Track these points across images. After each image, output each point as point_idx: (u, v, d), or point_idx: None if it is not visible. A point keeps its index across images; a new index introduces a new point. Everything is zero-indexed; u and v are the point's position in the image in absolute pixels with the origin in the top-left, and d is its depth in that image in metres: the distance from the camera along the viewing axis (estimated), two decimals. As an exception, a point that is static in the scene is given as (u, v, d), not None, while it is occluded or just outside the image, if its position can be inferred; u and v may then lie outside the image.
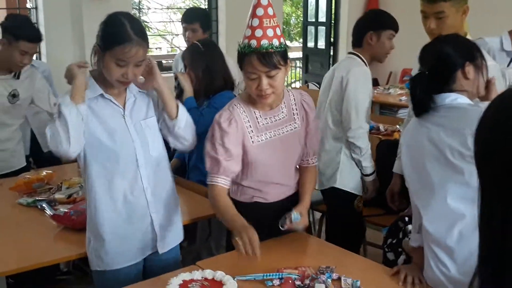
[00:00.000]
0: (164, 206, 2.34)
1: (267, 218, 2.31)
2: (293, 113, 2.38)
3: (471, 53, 2.09)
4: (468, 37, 2.70)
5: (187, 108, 2.42)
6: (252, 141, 2.30)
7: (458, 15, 2.61)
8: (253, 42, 2.15)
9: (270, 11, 2.19)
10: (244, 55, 2.18)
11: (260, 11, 2.17)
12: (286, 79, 2.44)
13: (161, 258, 2.37)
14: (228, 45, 7.12)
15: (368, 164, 3.16)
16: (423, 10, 2.64)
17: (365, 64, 3.15)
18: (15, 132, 3.64)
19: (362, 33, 3.17)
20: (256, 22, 2.17)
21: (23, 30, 3.30)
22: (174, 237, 2.44)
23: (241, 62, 2.22)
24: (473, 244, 1.84)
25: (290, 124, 2.37)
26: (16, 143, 3.67)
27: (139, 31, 2.12)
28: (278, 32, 2.20)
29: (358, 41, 3.21)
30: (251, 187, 2.40)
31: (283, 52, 2.20)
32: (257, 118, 2.32)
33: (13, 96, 3.53)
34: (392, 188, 3.06)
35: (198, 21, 4.40)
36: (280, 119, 2.36)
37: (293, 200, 2.43)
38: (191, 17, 4.49)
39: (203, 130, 2.50)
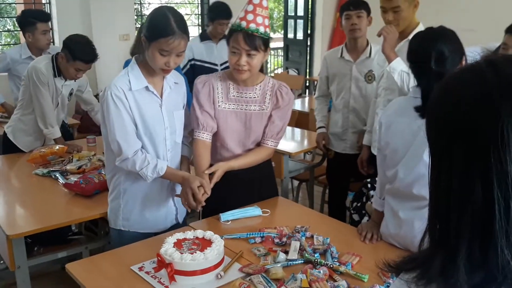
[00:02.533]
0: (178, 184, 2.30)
1: (224, 179, 2.30)
2: (265, 97, 2.34)
3: (462, 47, 1.91)
4: (420, 26, 2.73)
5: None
6: (219, 105, 2.33)
7: (410, 9, 2.73)
8: (243, 23, 2.18)
9: (264, 3, 2.22)
10: (233, 31, 2.20)
11: (256, 0, 2.20)
12: (271, 65, 2.40)
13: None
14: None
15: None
16: (383, 5, 2.77)
17: None
18: None
19: None
20: (250, 8, 2.20)
21: (80, 52, 3.21)
22: (184, 209, 2.40)
23: (229, 37, 2.23)
24: (415, 219, 1.89)
25: (260, 105, 2.34)
26: None
27: (181, 25, 2.05)
28: (266, 22, 2.22)
29: None
30: (215, 150, 2.40)
31: (265, 39, 2.21)
32: (229, 89, 2.33)
33: (70, 94, 3.53)
34: (361, 156, 3.18)
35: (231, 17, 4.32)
36: (251, 97, 2.34)
37: (250, 171, 2.38)
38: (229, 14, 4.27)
39: None
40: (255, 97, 2.33)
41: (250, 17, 2.18)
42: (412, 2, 2.72)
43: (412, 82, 2.61)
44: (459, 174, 0.71)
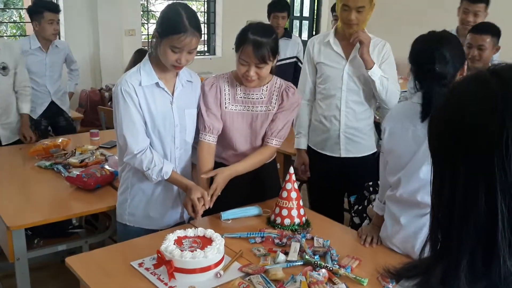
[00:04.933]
0: None
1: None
2: (272, 97, 2.33)
3: (464, 52, 1.96)
4: (365, 30, 2.70)
5: None
6: (226, 106, 2.31)
7: (370, 11, 2.67)
8: (278, 219, 2.23)
9: (293, 194, 2.23)
10: (243, 42, 2.16)
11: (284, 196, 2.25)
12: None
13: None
14: (223, 44, 7.10)
15: None
16: (346, 4, 2.62)
17: None
18: None
19: None
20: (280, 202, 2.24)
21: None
22: None
23: (238, 47, 2.19)
24: (417, 225, 1.88)
25: (266, 106, 2.33)
26: None
27: (194, 22, 2.04)
28: (301, 212, 2.24)
29: None
30: (224, 151, 2.40)
31: (274, 50, 2.19)
32: (236, 90, 2.32)
33: (3, 68, 3.41)
34: (303, 162, 2.99)
35: (287, 10, 4.58)
36: (258, 98, 2.32)
37: (254, 171, 2.36)
38: (283, 6, 4.58)
39: None
40: (261, 98, 2.32)
41: (284, 212, 2.20)
42: (372, 4, 2.65)
43: (391, 87, 2.63)
44: (462, 183, 0.71)
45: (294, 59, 4.67)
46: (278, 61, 4.58)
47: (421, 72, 1.91)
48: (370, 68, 2.63)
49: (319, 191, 3.08)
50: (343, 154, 2.85)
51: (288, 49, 4.63)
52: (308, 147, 2.99)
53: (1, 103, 3.43)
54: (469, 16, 3.46)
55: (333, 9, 3.65)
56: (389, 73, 2.71)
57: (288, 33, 4.76)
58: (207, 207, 2.14)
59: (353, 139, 2.83)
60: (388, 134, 2.02)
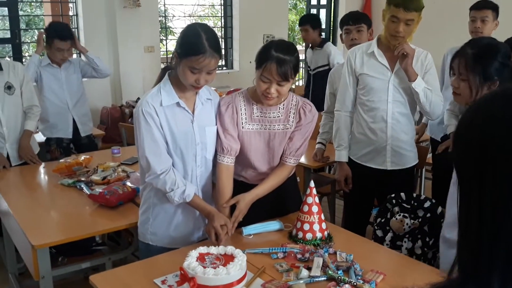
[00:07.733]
0: (208, 200, 2.29)
1: None
2: (289, 115, 2.30)
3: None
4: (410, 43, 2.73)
5: None
6: (242, 126, 2.29)
7: (417, 24, 2.68)
8: (300, 234, 2.20)
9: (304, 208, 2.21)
10: (267, 60, 2.11)
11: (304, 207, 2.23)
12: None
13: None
14: (241, 58, 7.14)
15: None
16: (396, 15, 2.63)
17: None
18: None
19: None
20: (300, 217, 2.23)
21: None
22: None
23: (260, 64, 2.15)
24: None
25: (283, 124, 2.30)
26: None
27: (213, 43, 2.02)
28: (315, 227, 2.19)
29: None
30: (242, 169, 2.39)
31: (296, 67, 2.16)
32: (253, 109, 2.30)
33: (9, 88, 3.39)
34: (346, 174, 2.98)
35: (308, 23, 5.02)
36: (275, 117, 2.30)
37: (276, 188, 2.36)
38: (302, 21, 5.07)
39: None
40: (278, 116, 2.30)
41: (306, 226, 2.18)
42: (419, 17, 2.65)
43: (434, 99, 2.63)
44: (491, 201, 0.69)
45: (327, 67, 4.87)
46: (314, 69, 4.79)
47: None
48: (414, 80, 2.64)
49: (357, 203, 3.07)
50: (389, 167, 2.86)
51: (320, 58, 5.01)
52: (349, 159, 2.98)
53: (9, 123, 3.40)
54: (477, 23, 3.50)
55: (342, 23, 3.65)
56: (432, 84, 2.72)
57: (321, 43, 5.09)
58: (230, 235, 2.13)
59: (399, 151, 2.84)
60: None
